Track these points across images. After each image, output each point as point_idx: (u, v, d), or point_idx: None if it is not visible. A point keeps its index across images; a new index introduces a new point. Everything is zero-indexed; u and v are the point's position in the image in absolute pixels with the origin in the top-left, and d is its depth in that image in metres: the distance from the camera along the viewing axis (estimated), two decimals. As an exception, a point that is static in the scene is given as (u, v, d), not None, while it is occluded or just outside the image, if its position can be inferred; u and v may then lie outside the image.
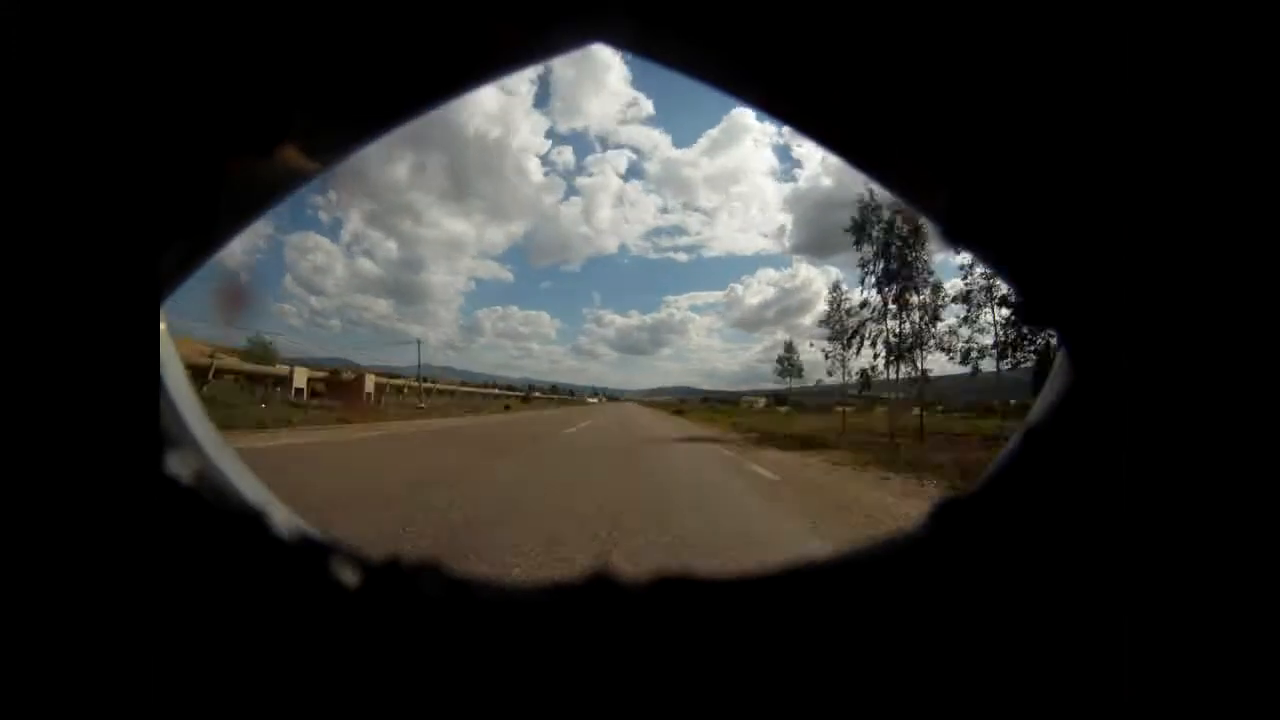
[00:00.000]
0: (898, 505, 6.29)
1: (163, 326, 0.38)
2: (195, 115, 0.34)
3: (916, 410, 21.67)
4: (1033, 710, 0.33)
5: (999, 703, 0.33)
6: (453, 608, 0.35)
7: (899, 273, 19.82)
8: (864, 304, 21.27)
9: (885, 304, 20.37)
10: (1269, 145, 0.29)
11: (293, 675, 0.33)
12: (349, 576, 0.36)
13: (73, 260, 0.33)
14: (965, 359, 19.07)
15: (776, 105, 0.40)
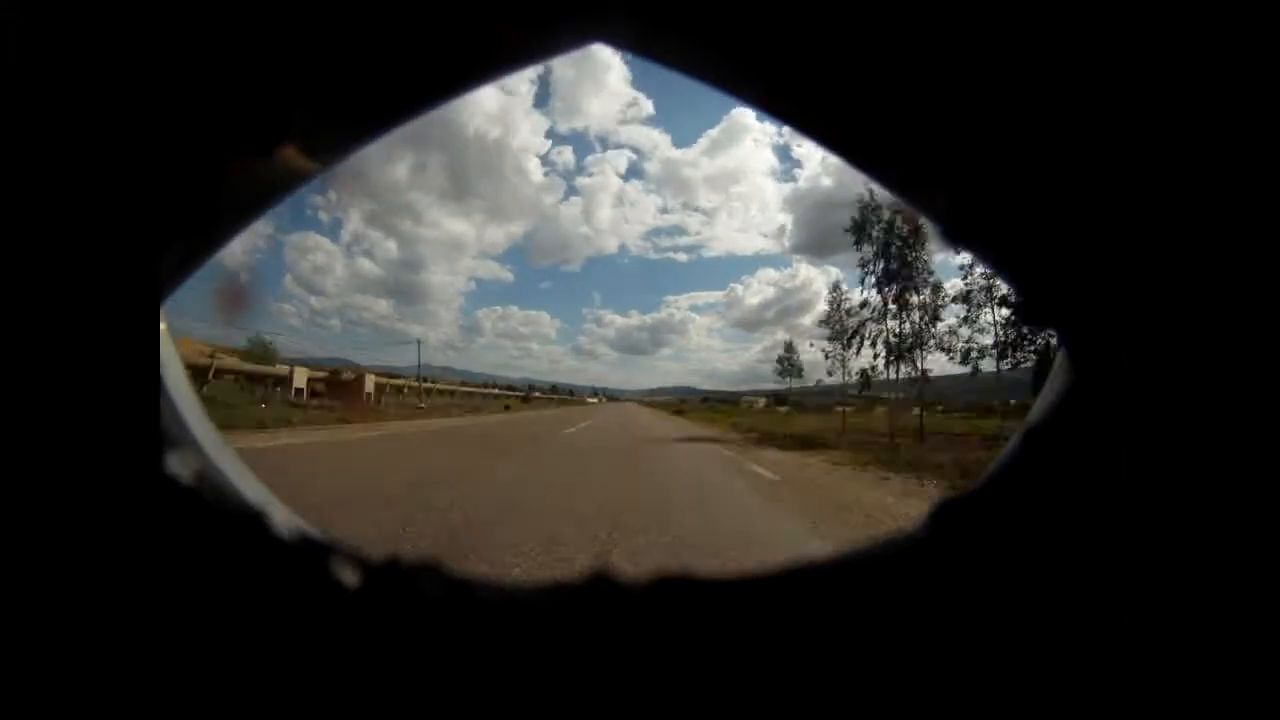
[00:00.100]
0: (897, 505, 6.31)
1: (163, 326, 0.38)
2: (195, 115, 0.34)
3: (916, 410, 21.67)
4: (1033, 710, 0.33)
5: (999, 702, 0.33)
6: (453, 608, 0.35)
7: (899, 273, 19.84)
8: (864, 304, 21.28)
9: (885, 304, 20.38)
10: (1268, 146, 0.29)
11: (293, 675, 0.33)
12: (349, 577, 0.36)
13: (73, 260, 0.33)
14: (965, 359, 19.08)
15: (777, 105, 0.40)
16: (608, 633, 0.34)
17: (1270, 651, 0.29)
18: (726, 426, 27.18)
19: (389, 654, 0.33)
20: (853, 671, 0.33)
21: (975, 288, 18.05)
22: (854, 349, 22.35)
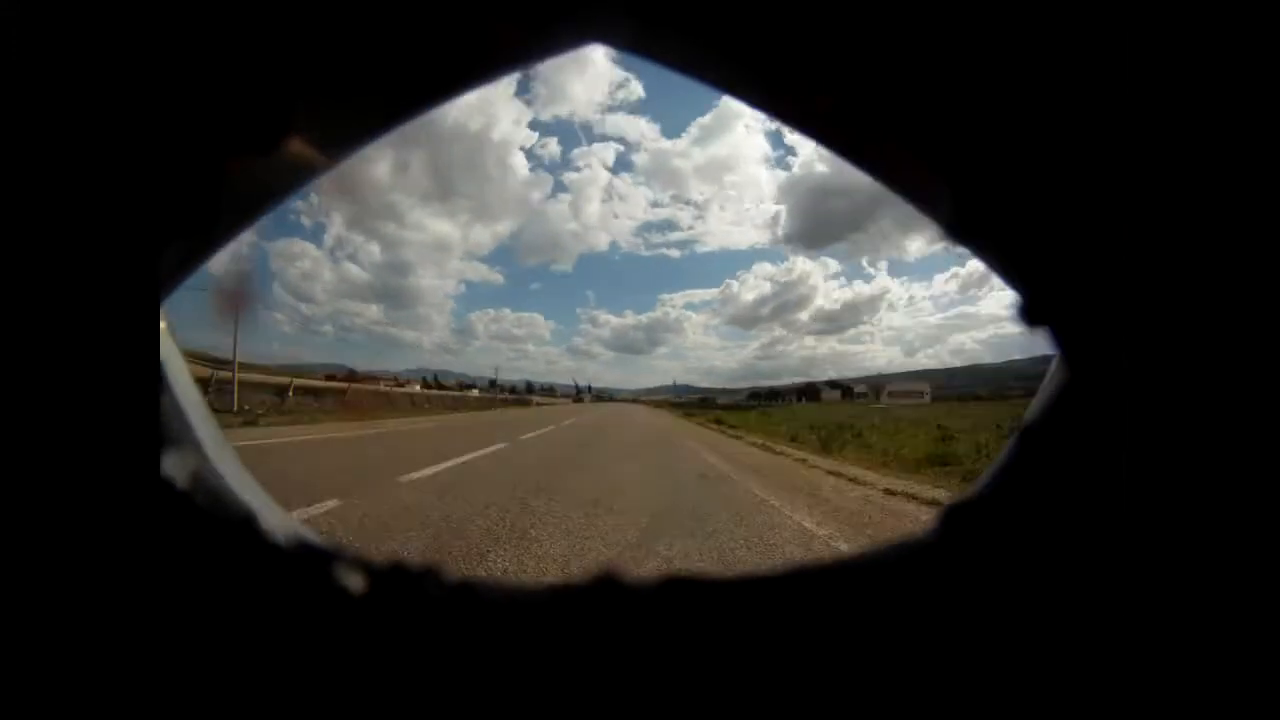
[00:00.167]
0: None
1: (163, 326, 0.38)
2: (195, 116, 0.34)
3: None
4: (1034, 711, 0.33)
5: (1000, 703, 0.33)
6: (458, 611, 0.35)
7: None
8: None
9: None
10: (1266, 148, 0.29)
11: (299, 678, 0.33)
12: (355, 581, 0.36)
13: (73, 260, 0.33)
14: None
15: (777, 105, 0.40)
16: (614, 635, 0.34)
17: (1270, 650, 0.30)
18: (783, 440, 13.37)
19: (395, 656, 0.33)
20: (859, 674, 0.33)
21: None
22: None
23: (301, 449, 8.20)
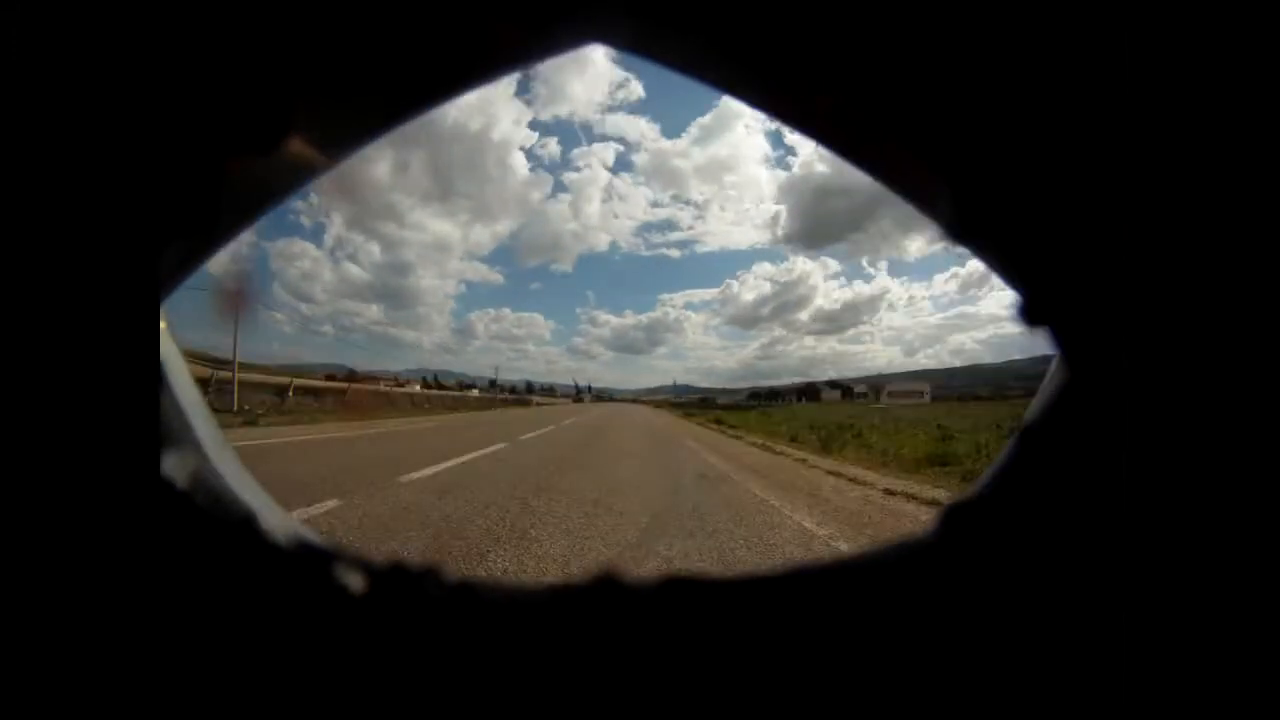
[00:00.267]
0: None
1: (163, 326, 0.38)
2: (196, 116, 0.33)
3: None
4: (1035, 712, 0.33)
5: (1000, 703, 0.33)
6: (459, 610, 0.35)
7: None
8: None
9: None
10: (1266, 148, 0.29)
11: (300, 678, 0.33)
12: (354, 581, 0.36)
13: (73, 260, 0.33)
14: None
15: (778, 106, 0.40)
16: (614, 635, 0.34)
17: (1270, 650, 0.30)
18: (783, 439, 12.96)
19: (394, 657, 0.33)
20: (859, 674, 0.33)
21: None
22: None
23: (303, 449, 8.16)
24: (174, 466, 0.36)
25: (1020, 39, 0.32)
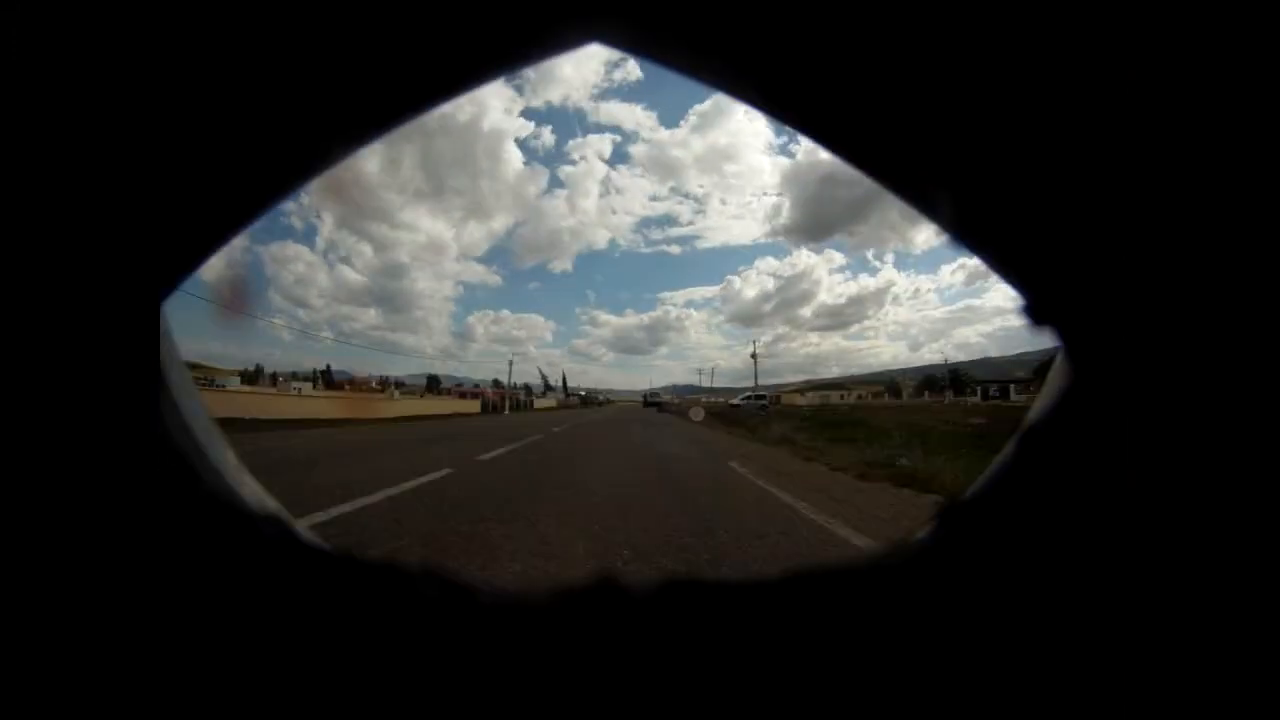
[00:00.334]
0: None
1: (163, 326, 0.38)
2: (195, 115, 0.33)
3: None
4: (1035, 712, 0.33)
5: (1005, 705, 0.33)
6: (454, 612, 0.35)
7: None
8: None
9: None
10: (1269, 147, 0.29)
11: (292, 678, 0.33)
12: (350, 581, 0.36)
13: (73, 260, 0.33)
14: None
15: (779, 106, 0.40)
16: (613, 639, 0.33)
17: (1270, 650, 0.29)
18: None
19: (389, 658, 0.33)
20: (859, 677, 0.33)
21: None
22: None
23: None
24: (171, 466, 0.36)
25: (1019, 38, 0.32)
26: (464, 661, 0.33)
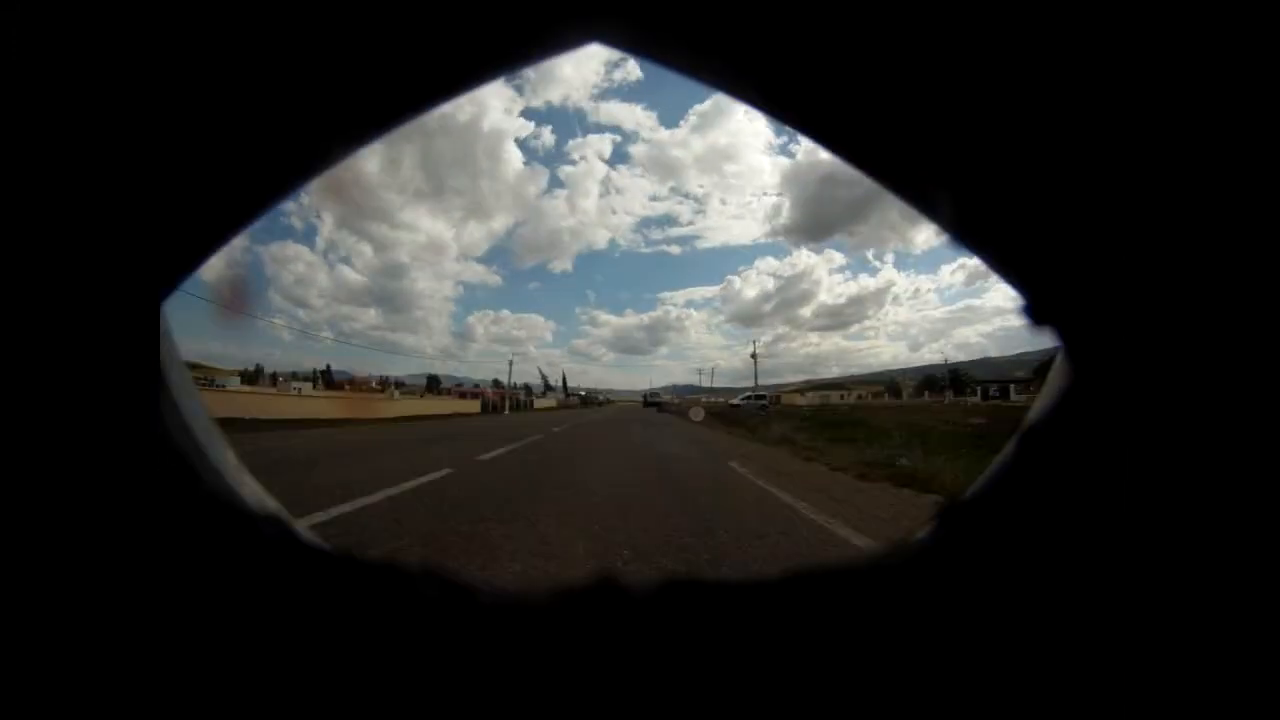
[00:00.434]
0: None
1: (163, 326, 0.38)
2: (195, 115, 0.33)
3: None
4: (1035, 712, 0.33)
5: (1004, 706, 0.33)
6: (453, 612, 0.35)
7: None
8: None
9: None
10: (1268, 147, 0.29)
11: (291, 678, 0.33)
12: (349, 581, 0.36)
13: (73, 260, 0.33)
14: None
15: (779, 106, 0.40)
16: (613, 639, 0.33)
17: (1270, 651, 0.29)
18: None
19: (388, 658, 0.33)
20: (859, 678, 0.33)
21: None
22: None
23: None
24: (171, 466, 0.36)
25: (1018, 37, 0.32)
26: (464, 661, 0.33)
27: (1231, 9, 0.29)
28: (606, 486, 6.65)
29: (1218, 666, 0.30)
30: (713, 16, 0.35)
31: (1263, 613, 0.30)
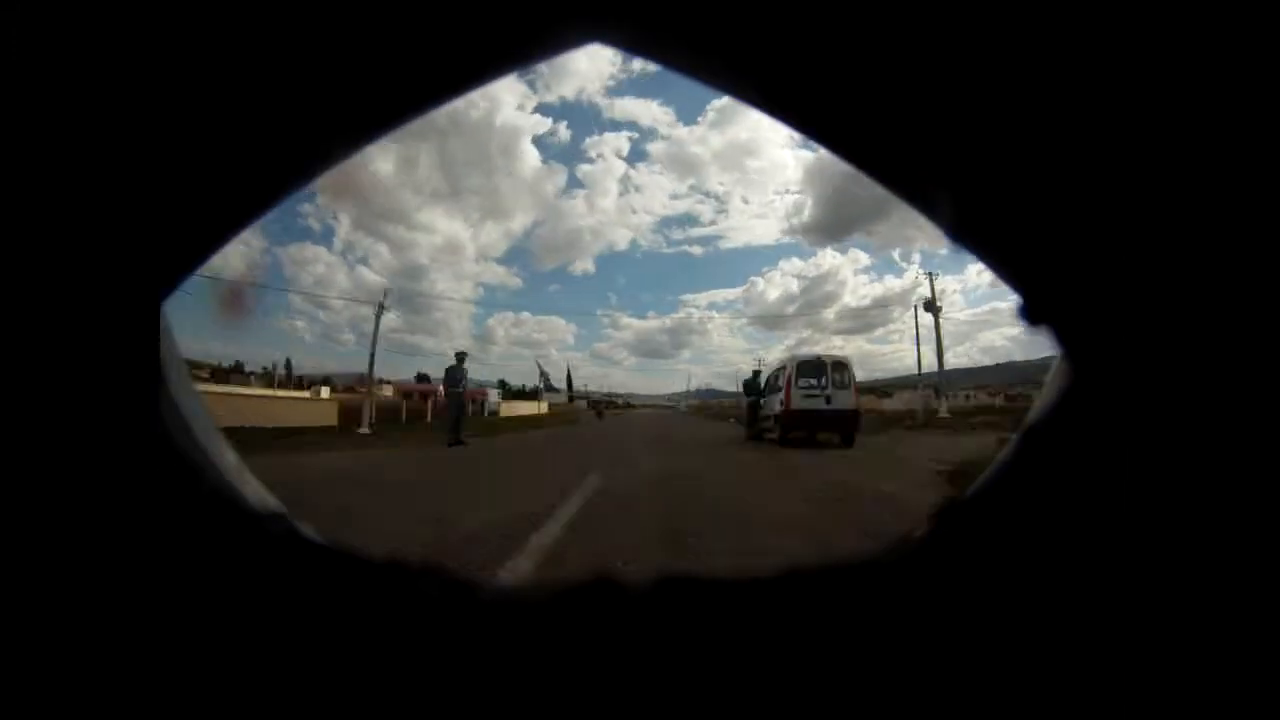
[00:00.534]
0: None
1: (163, 326, 0.38)
2: (198, 114, 0.34)
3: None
4: (1034, 712, 0.32)
5: (1000, 704, 0.32)
6: (455, 609, 0.35)
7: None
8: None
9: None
10: (1266, 147, 0.29)
11: (295, 676, 0.34)
12: (352, 578, 0.36)
13: (74, 260, 0.33)
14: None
15: (780, 107, 0.40)
16: (611, 634, 0.33)
17: (1270, 651, 0.28)
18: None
19: (391, 655, 0.33)
20: (855, 673, 0.33)
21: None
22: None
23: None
24: (171, 465, 0.37)
25: (1017, 41, 0.31)
26: (464, 656, 0.34)
27: (1228, 13, 0.28)
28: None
29: (1216, 664, 0.29)
30: (712, 18, 0.35)
31: (1261, 610, 0.29)
